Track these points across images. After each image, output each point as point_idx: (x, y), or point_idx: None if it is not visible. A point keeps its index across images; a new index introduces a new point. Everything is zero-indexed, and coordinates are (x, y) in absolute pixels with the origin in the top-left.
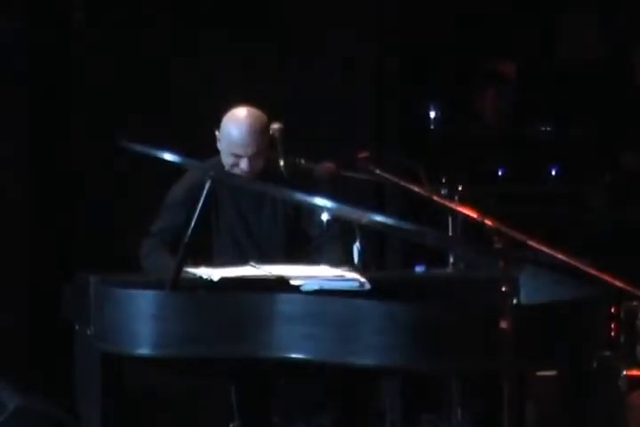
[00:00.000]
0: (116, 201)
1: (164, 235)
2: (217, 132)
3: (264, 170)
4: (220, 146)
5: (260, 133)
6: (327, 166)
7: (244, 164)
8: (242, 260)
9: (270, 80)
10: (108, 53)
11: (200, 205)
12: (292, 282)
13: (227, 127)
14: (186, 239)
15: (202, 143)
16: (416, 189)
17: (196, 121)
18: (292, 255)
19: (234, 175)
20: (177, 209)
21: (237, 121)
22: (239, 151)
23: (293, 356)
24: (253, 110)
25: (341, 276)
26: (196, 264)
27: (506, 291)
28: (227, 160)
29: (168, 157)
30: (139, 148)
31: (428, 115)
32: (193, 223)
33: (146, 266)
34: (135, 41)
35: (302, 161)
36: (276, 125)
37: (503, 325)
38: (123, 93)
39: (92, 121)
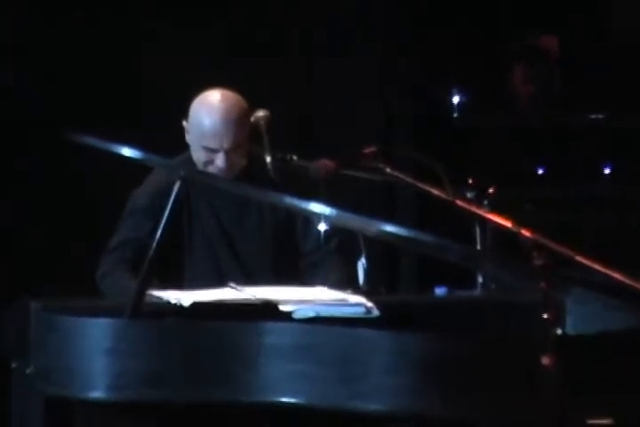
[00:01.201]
0: (68, 212)
1: (126, 249)
2: (185, 123)
3: (247, 168)
4: (189, 139)
5: (238, 121)
6: (325, 164)
7: (219, 160)
8: (220, 279)
9: (255, 61)
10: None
11: (167, 210)
12: (282, 307)
13: (196, 115)
14: (150, 254)
15: (171, 141)
16: (435, 191)
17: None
18: (281, 274)
19: (209, 175)
20: (140, 217)
21: (209, 106)
22: (213, 144)
23: (283, 400)
24: (229, 93)
25: (343, 300)
26: (164, 286)
27: (548, 319)
28: (199, 156)
29: (126, 152)
30: (92, 142)
31: (450, 100)
32: (159, 234)
33: (104, 288)
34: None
35: (294, 157)
36: (260, 113)
37: (545, 361)
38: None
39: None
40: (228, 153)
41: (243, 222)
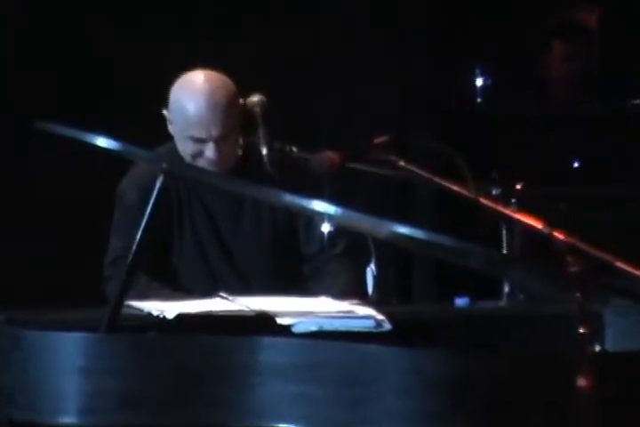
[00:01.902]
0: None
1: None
2: (165, 112)
3: (241, 161)
4: (172, 130)
5: (227, 105)
6: (329, 157)
7: (209, 151)
8: (212, 284)
9: (251, 39)
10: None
11: (147, 212)
12: (280, 321)
13: (178, 101)
14: (129, 260)
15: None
16: (456, 188)
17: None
18: (281, 279)
19: (196, 168)
20: (135, 216)
21: (192, 90)
22: (201, 133)
23: (281, 426)
24: (213, 73)
25: (350, 312)
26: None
27: (585, 334)
28: (185, 148)
29: (102, 142)
30: (60, 130)
31: (474, 83)
32: (138, 238)
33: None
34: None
35: (294, 149)
36: (255, 98)
37: (582, 382)
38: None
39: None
40: (218, 142)
41: (238, 220)
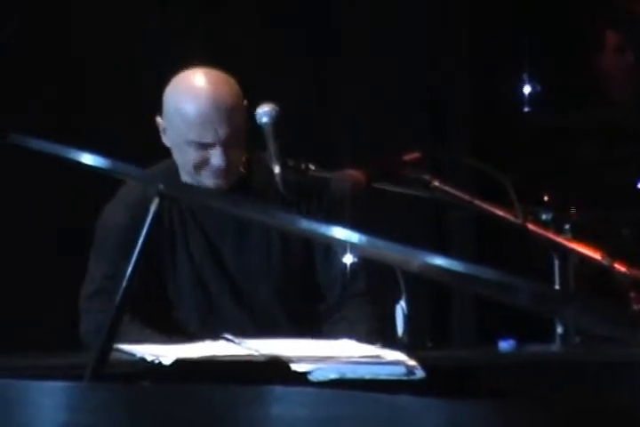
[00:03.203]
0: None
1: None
2: (159, 120)
3: (247, 180)
4: (168, 140)
5: (233, 103)
6: (353, 176)
7: (216, 157)
8: (213, 322)
9: (254, 35)
10: None
11: (140, 240)
12: (295, 367)
13: (176, 101)
14: (118, 299)
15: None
16: (500, 212)
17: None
18: (293, 318)
19: (196, 189)
20: (122, 239)
21: (193, 88)
22: (205, 136)
23: None
24: (214, 71)
25: (377, 356)
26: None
27: None
28: (185, 159)
29: (88, 160)
30: (38, 145)
31: (520, 90)
32: (129, 273)
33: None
34: None
35: (310, 167)
36: (266, 108)
37: None
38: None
39: None
40: (225, 146)
41: (242, 247)
